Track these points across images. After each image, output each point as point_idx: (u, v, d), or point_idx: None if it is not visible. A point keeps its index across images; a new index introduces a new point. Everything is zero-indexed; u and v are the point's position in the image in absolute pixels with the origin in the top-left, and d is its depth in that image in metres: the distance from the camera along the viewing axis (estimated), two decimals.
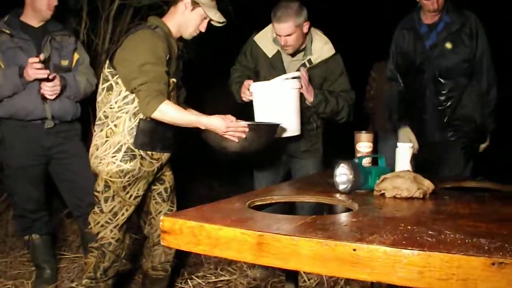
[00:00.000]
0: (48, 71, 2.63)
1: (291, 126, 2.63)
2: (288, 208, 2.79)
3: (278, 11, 2.60)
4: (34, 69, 2.57)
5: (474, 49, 2.82)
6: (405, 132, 2.96)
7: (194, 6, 2.34)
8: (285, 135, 2.64)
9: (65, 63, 2.82)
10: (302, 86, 2.63)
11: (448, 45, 2.82)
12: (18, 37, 2.70)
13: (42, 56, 2.61)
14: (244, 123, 2.28)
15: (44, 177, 2.90)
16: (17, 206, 2.91)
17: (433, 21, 2.87)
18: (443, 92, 2.86)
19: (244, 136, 2.27)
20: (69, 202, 2.99)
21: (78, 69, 2.88)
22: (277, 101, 2.58)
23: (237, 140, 2.27)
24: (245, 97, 2.73)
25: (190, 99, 2.63)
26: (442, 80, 2.85)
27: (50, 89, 2.65)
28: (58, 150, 2.83)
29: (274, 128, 2.46)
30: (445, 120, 2.89)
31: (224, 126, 2.22)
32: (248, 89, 2.68)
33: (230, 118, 2.27)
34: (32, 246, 2.92)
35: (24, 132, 2.73)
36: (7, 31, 2.69)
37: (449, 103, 2.86)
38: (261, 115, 2.64)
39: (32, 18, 2.77)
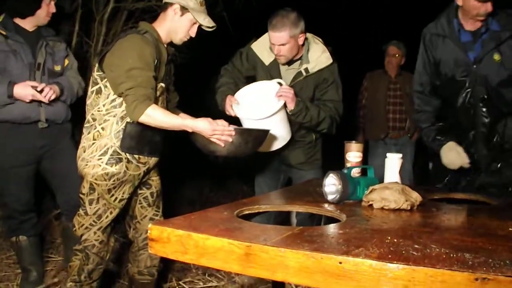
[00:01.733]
0: (43, 97, 2.64)
1: (281, 137, 2.65)
2: (285, 212, 2.78)
3: (275, 19, 2.58)
4: (30, 94, 2.59)
5: None
6: (451, 147, 2.51)
7: (183, 11, 2.34)
8: (277, 146, 2.67)
9: (57, 68, 2.83)
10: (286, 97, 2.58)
11: (496, 57, 2.36)
12: (13, 40, 2.67)
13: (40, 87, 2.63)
14: (231, 127, 2.27)
15: (34, 178, 2.88)
16: (7, 206, 2.89)
17: (476, 28, 2.39)
18: (490, 114, 2.42)
19: (230, 140, 2.25)
20: (59, 198, 2.98)
21: (67, 74, 2.89)
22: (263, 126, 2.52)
23: (223, 144, 2.26)
24: (228, 113, 2.69)
25: (185, 104, 2.63)
26: (489, 100, 2.39)
27: (43, 97, 2.65)
28: (49, 148, 2.83)
29: (262, 134, 2.43)
30: (492, 147, 2.45)
31: (210, 129, 2.21)
32: (232, 107, 2.65)
33: (219, 122, 2.25)
34: (19, 247, 2.90)
35: (16, 133, 2.72)
36: (3, 32, 2.65)
37: (497, 127, 2.43)
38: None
39: (27, 22, 2.74)
